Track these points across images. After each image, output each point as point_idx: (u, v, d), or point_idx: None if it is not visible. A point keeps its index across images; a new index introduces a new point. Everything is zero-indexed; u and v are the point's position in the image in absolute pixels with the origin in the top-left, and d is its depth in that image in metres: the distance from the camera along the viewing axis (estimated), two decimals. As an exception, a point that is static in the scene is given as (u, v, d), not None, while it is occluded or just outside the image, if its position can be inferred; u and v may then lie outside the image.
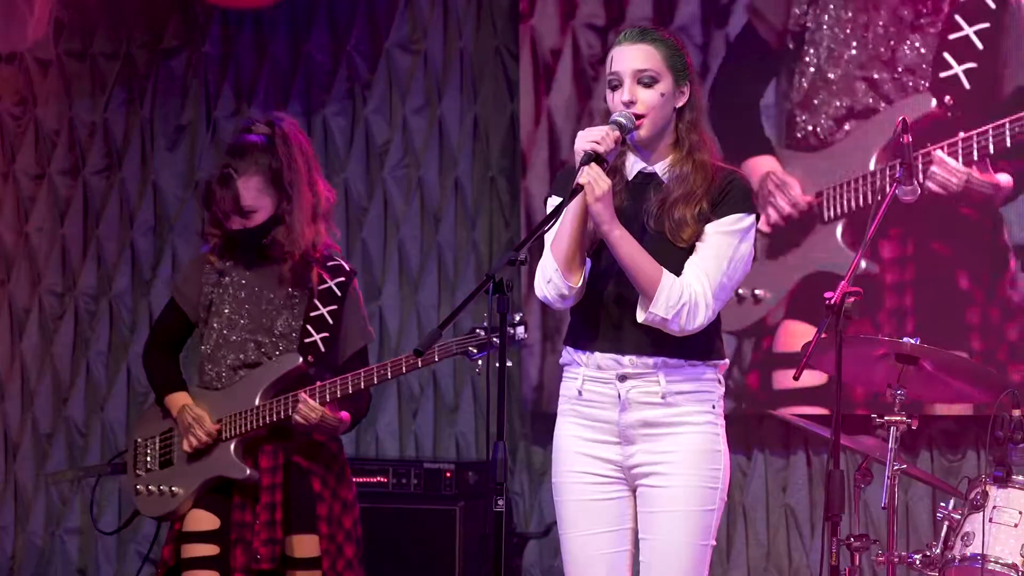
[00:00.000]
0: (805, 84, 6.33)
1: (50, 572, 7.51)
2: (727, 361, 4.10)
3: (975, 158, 6.05)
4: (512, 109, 7.01)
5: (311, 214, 5.09)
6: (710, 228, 3.97)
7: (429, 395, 7.08)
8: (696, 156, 4.02)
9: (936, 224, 6.16)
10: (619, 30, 4.15)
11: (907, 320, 6.18)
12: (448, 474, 6.45)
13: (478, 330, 4.81)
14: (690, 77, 4.06)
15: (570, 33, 6.79)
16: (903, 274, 6.20)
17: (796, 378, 4.16)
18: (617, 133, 3.93)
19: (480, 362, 4.84)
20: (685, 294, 3.91)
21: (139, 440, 5.26)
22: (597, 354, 4.01)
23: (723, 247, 3.96)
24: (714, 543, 4.04)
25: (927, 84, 6.16)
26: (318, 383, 4.98)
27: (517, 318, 4.75)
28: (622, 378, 3.99)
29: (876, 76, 6.24)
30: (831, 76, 6.29)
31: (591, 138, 3.91)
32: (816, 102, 6.32)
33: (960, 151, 6.08)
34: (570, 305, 4.06)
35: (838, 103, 6.29)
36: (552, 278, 4.00)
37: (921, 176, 6.07)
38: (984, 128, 6.05)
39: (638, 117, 3.98)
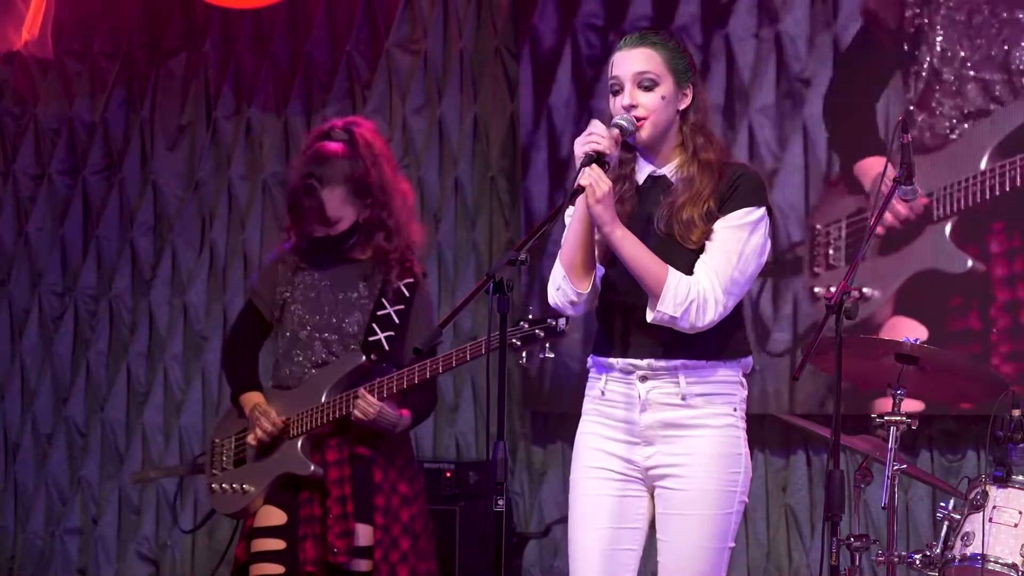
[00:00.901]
0: (921, 85, 6.30)
1: (50, 572, 7.51)
2: (751, 359, 4.08)
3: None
4: (512, 109, 7.01)
5: (410, 214, 5.20)
6: (718, 225, 3.96)
7: (429, 395, 7.08)
8: (701, 157, 4.00)
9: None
10: (619, 30, 4.14)
11: (1021, 313, 6.15)
12: (448, 474, 6.46)
13: (522, 323, 4.84)
14: (693, 79, 4.04)
15: (570, 33, 6.79)
16: (1012, 267, 6.18)
17: (796, 378, 4.15)
18: (617, 133, 3.92)
19: (525, 354, 4.86)
20: (693, 291, 3.89)
21: (216, 440, 5.35)
22: (618, 359, 4.01)
23: (732, 242, 3.95)
24: (732, 544, 4.03)
25: (1041, 85, 6.16)
26: (377, 379, 5.04)
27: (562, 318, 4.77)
28: (643, 379, 3.99)
29: (988, 77, 6.20)
30: (945, 77, 6.27)
31: (592, 139, 3.90)
32: (931, 103, 6.28)
33: None
34: (581, 312, 4.05)
35: (952, 104, 6.26)
36: (561, 285, 4.01)
37: None
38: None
39: (639, 120, 3.97)
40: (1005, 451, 4.81)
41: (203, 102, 7.47)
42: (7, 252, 7.66)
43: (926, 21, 6.31)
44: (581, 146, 3.90)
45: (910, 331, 6.02)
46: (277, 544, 5.07)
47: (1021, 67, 6.17)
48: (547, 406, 6.83)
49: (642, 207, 4.01)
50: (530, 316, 4.85)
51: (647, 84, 3.98)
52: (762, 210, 3.99)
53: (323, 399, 5.10)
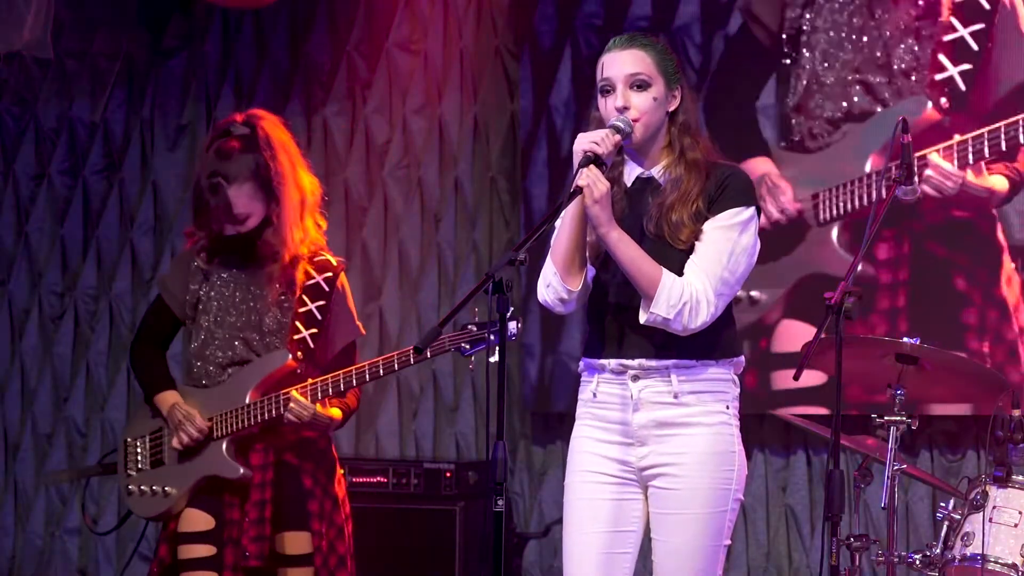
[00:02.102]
0: (801, 87, 6.33)
1: (50, 572, 7.51)
2: (743, 359, 4.09)
3: (970, 161, 6.05)
4: (512, 109, 7.02)
5: (299, 213, 5.05)
6: (708, 225, 3.97)
7: (429, 395, 7.08)
8: (688, 157, 4.02)
9: (931, 225, 6.16)
10: (619, 30, 4.15)
11: (900, 320, 6.18)
12: (448, 474, 6.46)
13: (470, 326, 4.78)
14: (681, 81, 4.06)
15: (570, 33, 6.80)
16: (897, 274, 6.20)
17: (796, 378, 4.15)
18: (617, 137, 3.93)
19: (474, 359, 4.80)
20: (686, 293, 3.90)
21: (129, 440, 5.21)
22: (609, 360, 4.01)
23: (721, 242, 3.96)
24: (728, 543, 4.03)
25: (923, 86, 6.16)
26: (310, 381, 4.94)
27: (509, 312, 4.67)
28: (635, 378, 3.99)
29: (872, 80, 6.24)
30: (826, 80, 6.30)
31: (591, 139, 3.91)
32: (812, 105, 6.32)
33: (955, 154, 6.08)
34: (571, 310, 4.06)
35: (833, 106, 6.29)
36: (551, 282, 4.01)
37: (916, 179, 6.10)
38: (979, 132, 6.04)
39: (633, 121, 3.98)
40: (1005, 451, 4.82)
41: (203, 102, 7.47)
42: (7, 252, 7.66)
43: (807, 22, 6.32)
44: (581, 144, 3.91)
45: (803, 335, 6.02)
46: (207, 550, 4.95)
47: (904, 68, 6.17)
48: (547, 406, 6.84)
49: (631, 209, 4.02)
50: (476, 320, 4.80)
51: (639, 85, 3.99)
52: (751, 210, 4.00)
53: (247, 399, 4.97)
